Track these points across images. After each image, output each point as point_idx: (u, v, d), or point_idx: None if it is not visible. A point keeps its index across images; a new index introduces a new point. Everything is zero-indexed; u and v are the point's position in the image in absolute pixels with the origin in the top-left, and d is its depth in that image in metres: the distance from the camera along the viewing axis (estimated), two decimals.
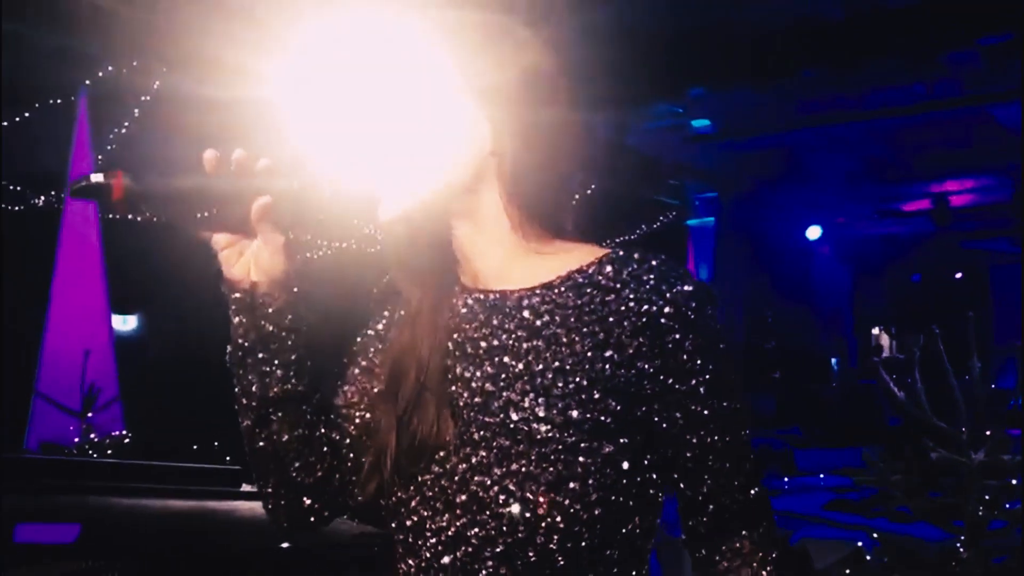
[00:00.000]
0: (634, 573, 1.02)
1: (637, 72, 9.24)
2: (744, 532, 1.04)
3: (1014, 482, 2.95)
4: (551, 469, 0.97)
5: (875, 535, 3.41)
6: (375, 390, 1.13)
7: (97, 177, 0.98)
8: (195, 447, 5.86)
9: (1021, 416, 3.63)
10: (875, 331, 16.60)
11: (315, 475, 1.13)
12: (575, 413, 0.98)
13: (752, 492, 1.05)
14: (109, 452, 5.55)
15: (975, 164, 11.30)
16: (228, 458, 4.71)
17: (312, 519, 1.14)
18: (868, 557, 3.43)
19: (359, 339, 1.20)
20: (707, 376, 1.01)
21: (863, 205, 12.66)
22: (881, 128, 10.93)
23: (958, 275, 16.04)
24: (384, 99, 1.07)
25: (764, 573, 1.04)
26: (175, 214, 1.04)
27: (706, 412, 1.01)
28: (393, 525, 1.08)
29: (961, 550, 3.03)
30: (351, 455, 1.14)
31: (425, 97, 1.06)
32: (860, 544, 5.61)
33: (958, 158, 11.22)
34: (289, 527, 1.13)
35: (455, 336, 1.09)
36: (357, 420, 1.14)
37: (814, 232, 13.03)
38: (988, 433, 2.99)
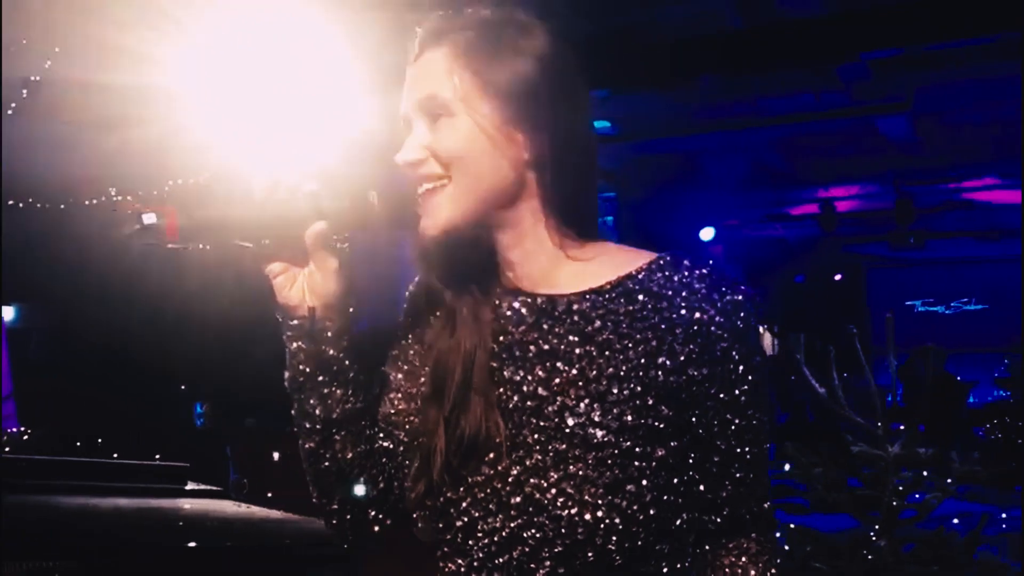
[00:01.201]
0: (679, 565, 1.08)
1: None
2: (753, 535, 1.11)
3: (925, 474, 3.16)
4: (608, 473, 1.01)
5: (791, 526, 3.58)
6: (420, 392, 1.14)
7: (149, 218, 0.99)
8: (99, 440, 5.67)
9: (899, 411, 3.85)
10: (760, 329, 17.18)
11: (378, 487, 1.16)
12: (630, 419, 1.02)
13: (766, 505, 1.12)
14: (8, 450, 5.34)
15: (860, 172, 11.85)
16: (116, 454, 4.61)
17: (377, 529, 1.17)
18: (787, 547, 3.62)
19: (396, 344, 1.21)
20: (747, 387, 1.06)
21: (754, 209, 13.11)
22: (773, 135, 11.33)
23: (838, 277, 16.74)
24: (448, 118, 1.10)
25: (764, 558, 1.11)
26: (229, 245, 1.05)
27: (742, 422, 1.07)
28: (440, 526, 1.10)
29: (875, 539, 3.22)
30: (407, 462, 1.15)
31: (472, 118, 1.09)
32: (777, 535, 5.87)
33: (844, 166, 11.73)
34: (355, 540, 1.16)
35: (500, 338, 1.11)
36: (407, 426, 1.15)
37: (707, 234, 13.41)
38: (902, 427, 3.19)
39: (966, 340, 13.90)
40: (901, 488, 3.15)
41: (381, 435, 1.16)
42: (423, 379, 1.15)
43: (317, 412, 1.13)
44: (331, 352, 1.13)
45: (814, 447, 3.46)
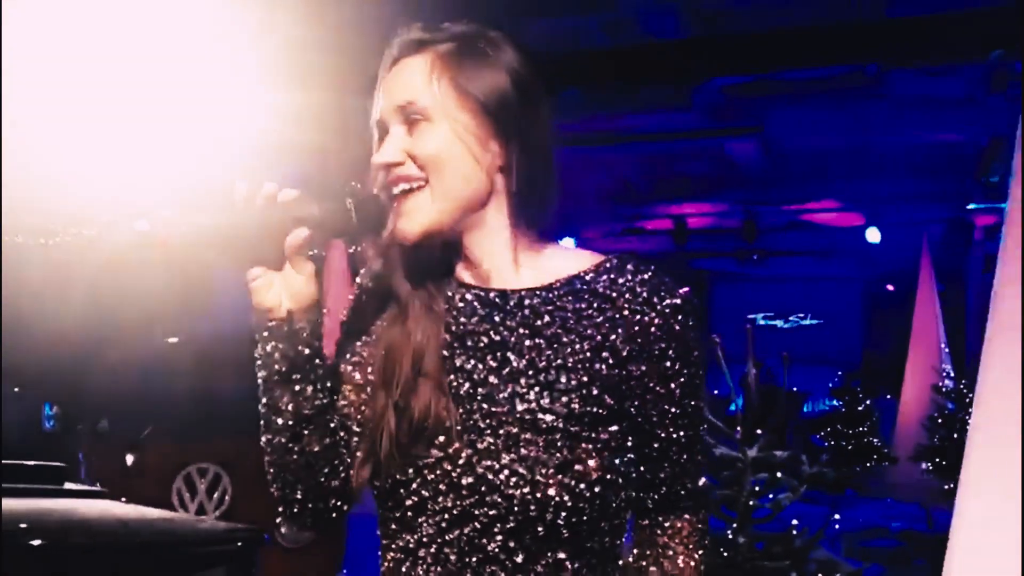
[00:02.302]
0: (617, 541, 1.17)
1: None
2: (686, 516, 1.21)
3: (779, 475, 3.38)
4: (558, 454, 1.08)
5: None
6: (370, 381, 1.19)
7: (142, 224, 0.99)
8: None
9: (736, 419, 4.07)
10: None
11: (340, 477, 1.19)
12: (577, 406, 1.10)
13: (700, 482, 1.22)
14: None
15: (711, 191, 12.40)
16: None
17: (335, 516, 1.22)
18: None
19: (344, 338, 1.25)
20: (683, 379, 1.15)
21: (612, 223, 13.51)
22: (632, 152, 11.72)
23: (685, 290, 17.39)
24: (427, 122, 1.16)
25: (696, 556, 1.21)
26: (211, 250, 1.09)
27: (677, 411, 1.16)
28: (389, 504, 1.15)
29: (731, 536, 3.42)
30: (358, 452, 1.19)
31: (450, 124, 1.15)
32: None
33: (697, 185, 12.23)
34: (314, 526, 1.20)
35: (453, 329, 1.17)
36: (359, 416, 1.20)
37: (567, 244, 13.75)
38: (759, 432, 3.41)
39: (802, 353, 14.68)
40: (757, 489, 3.37)
41: (339, 429, 1.20)
42: (371, 368, 1.20)
43: (289, 408, 1.16)
44: (305, 352, 1.16)
45: None
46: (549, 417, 1.09)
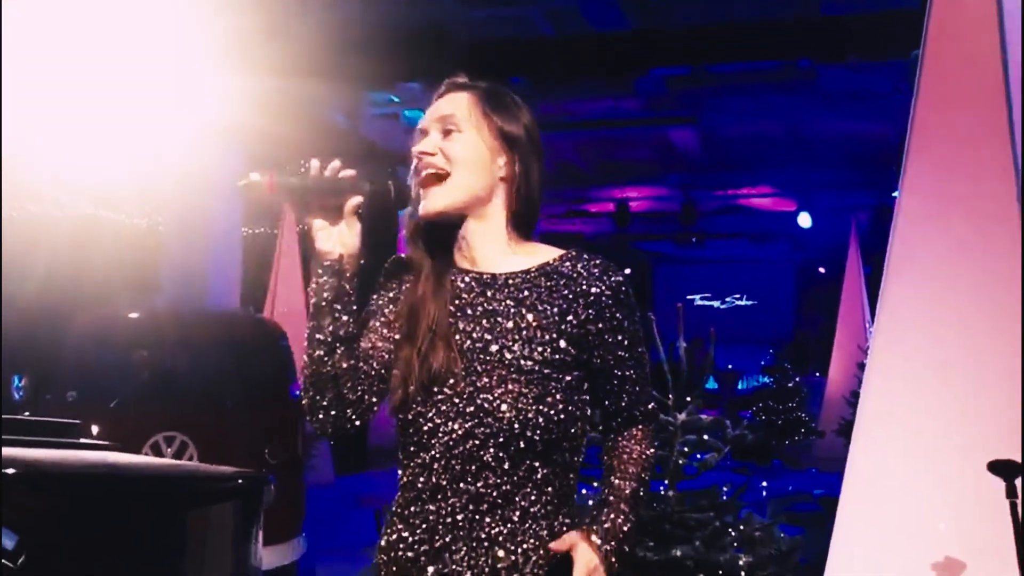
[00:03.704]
0: (576, 458, 1.56)
1: (357, 58, 9.68)
2: (640, 426, 1.61)
3: (706, 437, 3.80)
4: (535, 390, 1.49)
5: (595, 484, 4.15)
6: (396, 335, 1.58)
7: (255, 176, 1.43)
8: None
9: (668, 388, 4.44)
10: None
11: (357, 393, 1.55)
12: (548, 356, 1.50)
13: (651, 405, 1.62)
14: None
15: (652, 176, 12.84)
16: None
17: (348, 427, 1.58)
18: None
19: (374, 300, 1.64)
20: (628, 333, 1.56)
21: (557, 205, 13.91)
22: (576, 138, 12.09)
23: (627, 271, 17.90)
24: (458, 132, 1.57)
25: (648, 451, 1.61)
26: (297, 204, 1.48)
27: (626, 355, 1.57)
28: (410, 431, 1.54)
29: (663, 491, 3.83)
30: (376, 383, 1.58)
31: (477, 136, 1.57)
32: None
33: (638, 169, 12.66)
34: (333, 432, 1.56)
35: (456, 302, 1.56)
36: (380, 358, 1.58)
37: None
38: (688, 399, 3.81)
39: (737, 333, 15.25)
40: (686, 449, 3.78)
41: (362, 362, 1.56)
42: (396, 326, 1.58)
43: (329, 329, 1.51)
44: (347, 287, 1.53)
45: None
46: (528, 363, 1.50)
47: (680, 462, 3.78)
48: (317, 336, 1.54)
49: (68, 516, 1.77)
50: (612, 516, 1.54)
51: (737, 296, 18.40)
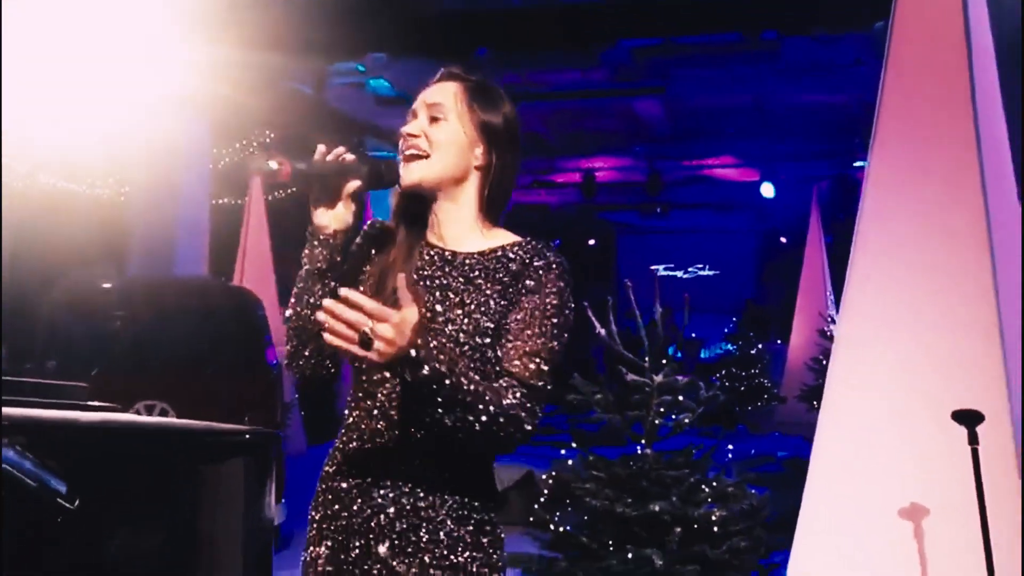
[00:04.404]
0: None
1: (322, 28, 9.68)
2: (506, 380, 1.65)
3: (681, 398, 3.95)
4: (467, 348, 1.66)
5: (574, 445, 4.30)
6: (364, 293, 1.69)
7: (272, 164, 1.60)
8: None
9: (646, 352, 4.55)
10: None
11: (332, 347, 1.67)
12: (478, 329, 1.67)
13: (532, 380, 1.65)
14: None
15: (617, 147, 12.97)
16: None
17: (325, 374, 1.76)
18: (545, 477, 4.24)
19: (351, 263, 1.80)
20: (555, 296, 1.69)
21: (523, 176, 13.96)
22: (542, 109, 12.18)
23: (592, 241, 18.07)
24: (444, 121, 1.73)
25: (504, 401, 1.60)
26: (306, 186, 1.65)
27: (541, 312, 1.68)
28: (362, 379, 1.71)
29: (640, 451, 3.99)
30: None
31: (459, 126, 1.73)
32: (531, 468, 6.59)
33: (604, 140, 12.78)
34: (312, 376, 1.73)
35: (419, 271, 1.74)
36: None
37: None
38: (664, 362, 3.96)
39: (700, 302, 15.44)
40: (662, 410, 3.93)
41: None
42: (363, 288, 1.74)
43: (320, 293, 1.69)
44: (337, 259, 1.72)
45: (596, 380, 4.17)
46: (462, 336, 1.67)
47: (656, 422, 3.93)
48: (307, 298, 1.71)
49: (97, 468, 1.86)
50: (452, 361, 1.57)
51: (700, 266, 18.65)
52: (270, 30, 9.12)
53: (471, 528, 1.71)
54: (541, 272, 1.70)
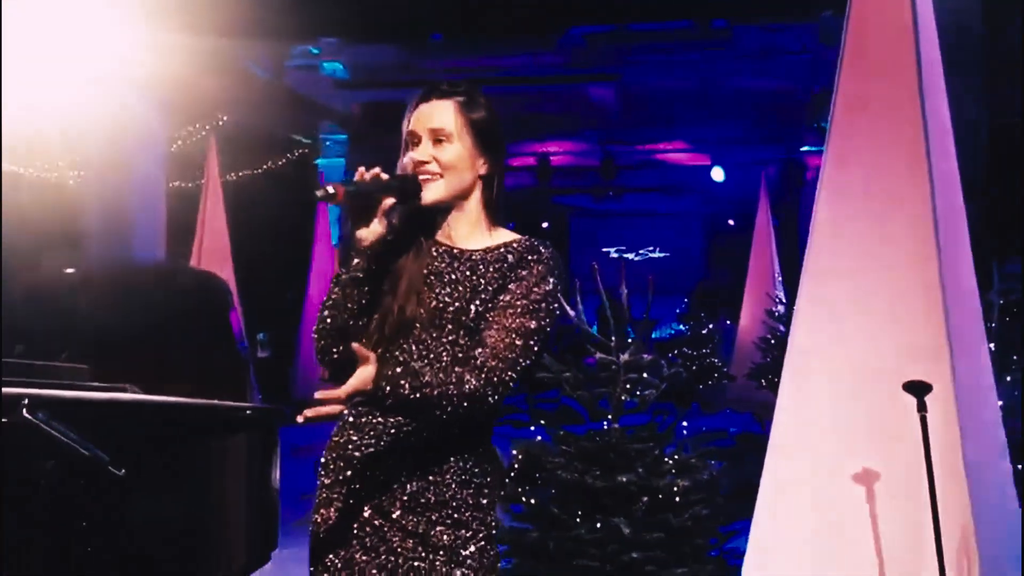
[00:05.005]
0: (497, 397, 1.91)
1: (277, 9, 9.72)
2: (488, 354, 1.86)
3: (645, 375, 4.15)
4: (469, 341, 1.89)
5: (541, 422, 4.48)
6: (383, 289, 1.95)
7: (330, 188, 1.78)
8: None
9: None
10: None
11: (359, 327, 1.91)
12: (475, 316, 1.89)
13: (498, 366, 1.85)
14: None
15: (572, 131, 13.17)
16: None
17: (338, 356, 1.90)
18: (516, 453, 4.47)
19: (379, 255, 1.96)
20: (541, 284, 1.90)
21: None
22: (497, 92, 12.30)
23: (545, 224, 18.25)
24: (448, 143, 1.93)
25: (482, 373, 1.83)
26: (356, 201, 1.83)
27: (524, 295, 1.89)
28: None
29: (606, 426, 4.19)
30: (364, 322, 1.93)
31: (461, 145, 1.95)
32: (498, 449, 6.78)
33: (559, 124, 12.97)
34: (337, 359, 1.89)
35: (431, 266, 1.96)
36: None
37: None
38: (630, 340, 4.16)
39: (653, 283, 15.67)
40: (628, 386, 4.13)
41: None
42: (385, 287, 1.96)
43: (355, 295, 1.89)
44: (374, 266, 1.90)
45: (564, 359, 4.36)
46: (466, 317, 1.91)
47: (623, 398, 4.13)
48: (348, 304, 1.90)
49: (126, 442, 1.98)
50: (414, 376, 1.80)
51: (651, 248, 18.96)
52: (225, 12, 9.13)
53: (471, 491, 1.93)
54: (532, 263, 1.91)
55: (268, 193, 12.61)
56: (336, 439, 1.98)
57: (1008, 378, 4.05)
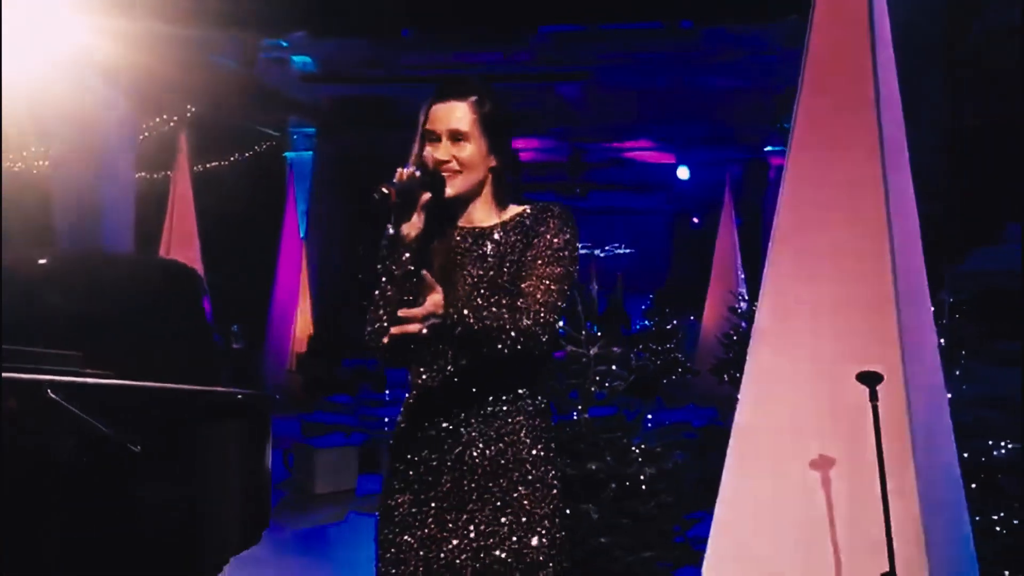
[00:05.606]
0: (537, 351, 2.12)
1: (247, 2, 9.76)
2: (532, 301, 2.09)
3: (614, 368, 4.32)
4: (502, 296, 2.12)
5: None
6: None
7: (384, 189, 1.96)
8: None
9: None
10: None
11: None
12: (509, 278, 2.13)
13: (540, 315, 2.07)
14: None
15: (540, 127, 13.30)
16: None
17: (393, 357, 2.14)
18: None
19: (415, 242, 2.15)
20: (561, 236, 2.14)
21: None
22: None
23: None
24: (465, 141, 2.13)
25: (531, 315, 2.06)
26: (403, 201, 2.01)
27: (548, 246, 2.13)
28: (419, 364, 2.15)
29: (576, 416, 4.34)
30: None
31: (476, 144, 2.17)
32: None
33: (527, 121, 13.09)
34: (389, 347, 2.05)
35: (456, 247, 2.21)
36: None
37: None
38: (600, 334, 4.32)
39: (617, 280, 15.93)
40: (597, 378, 4.29)
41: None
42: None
43: (408, 287, 2.04)
44: (416, 260, 2.08)
45: None
46: (500, 281, 2.15)
47: (592, 389, 4.29)
48: (403, 297, 2.04)
49: (129, 423, 2.10)
50: (476, 310, 2.02)
51: (617, 245, 19.17)
52: (195, 3, 9.14)
53: (541, 445, 2.15)
54: (549, 219, 2.16)
55: (236, 186, 12.63)
56: (402, 425, 2.19)
57: (957, 372, 4.26)
